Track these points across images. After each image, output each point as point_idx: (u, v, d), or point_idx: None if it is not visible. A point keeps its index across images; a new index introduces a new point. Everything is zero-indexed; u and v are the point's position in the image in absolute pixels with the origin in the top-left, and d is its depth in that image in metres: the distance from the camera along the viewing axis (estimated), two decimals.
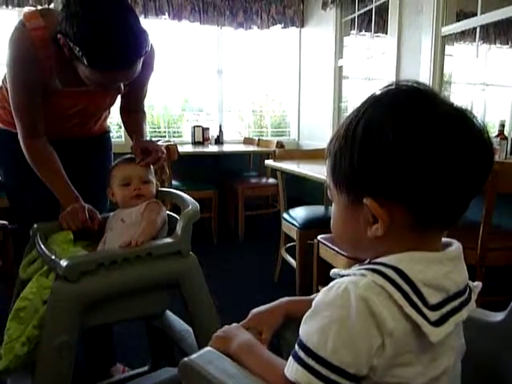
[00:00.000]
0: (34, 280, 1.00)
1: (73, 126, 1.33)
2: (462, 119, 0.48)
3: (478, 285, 0.56)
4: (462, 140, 0.46)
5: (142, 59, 1.07)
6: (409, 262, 0.48)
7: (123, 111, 1.42)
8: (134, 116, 1.40)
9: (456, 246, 0.54)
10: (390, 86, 0.50)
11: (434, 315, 0.47)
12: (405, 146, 0.45)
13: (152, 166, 1.22)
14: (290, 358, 0.48)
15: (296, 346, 0.48)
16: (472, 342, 0.61)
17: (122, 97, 1.37)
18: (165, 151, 1.26)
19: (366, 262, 0.54)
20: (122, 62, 1.03)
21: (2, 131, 1.34)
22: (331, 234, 0.58)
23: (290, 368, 0.48)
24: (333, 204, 0.56)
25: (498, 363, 0.63)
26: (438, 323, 0.47)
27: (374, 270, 0.48)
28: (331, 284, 0.49)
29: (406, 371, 0.47)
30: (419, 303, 0.46)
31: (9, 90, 1.17)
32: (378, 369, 0.46)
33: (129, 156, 1.23)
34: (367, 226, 0.50)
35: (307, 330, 0.47)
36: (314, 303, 0.49)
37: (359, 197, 0.49)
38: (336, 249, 1.69)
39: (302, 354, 0.47)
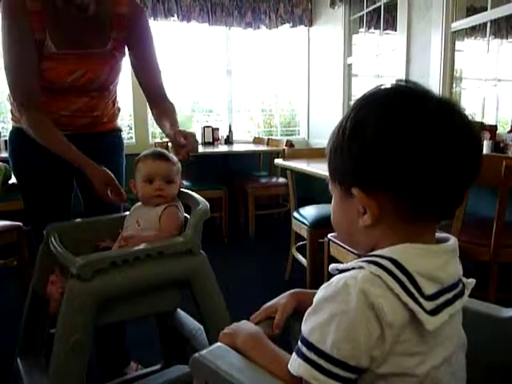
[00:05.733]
0: None
1: (79, 111, 1.31)
2: (446, 113, 0.49)
3: (471, 281, 0.57)
4: (446, 132, 0.48)
5: None
6: (404, 253, 0.49)
7: (150, 103, 1.42)
8: (162, 106, 1.40)
9: (453, 240, 0.54)
10: (381, 85, 0.53)
11: (429, 305, 0.48)
12: (386, 138, 0.48)
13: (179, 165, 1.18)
14: (294, 353, 0.50)
15: (299, 342, 0.49)
16: (485, 338, 0.61)
17: (140, 84, 1.38)
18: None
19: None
20: None
21: (13, 130, 1.35)
22: None
23: (293, 363, 0.49)
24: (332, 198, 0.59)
25: (510, 358, 0.62)
26: (433, 312, 0.48)
27: (370, 262, 0.49)
28: (331, 280, 0.50)
29: (405, 361, 0.47)
30: (415, 293, 0.47)
31: (2, 52, 1.19)
32: (378, 360, 0.46)
33: (157, 150, 1.18)
34: (358, 216, 0.52)
35: (309, 326, 0.49)
36: (314, 300, 0.50)
37: (350, 188, 0.52)
38: (347, 247, 1.69)
39: (304, 349, 0.48)
